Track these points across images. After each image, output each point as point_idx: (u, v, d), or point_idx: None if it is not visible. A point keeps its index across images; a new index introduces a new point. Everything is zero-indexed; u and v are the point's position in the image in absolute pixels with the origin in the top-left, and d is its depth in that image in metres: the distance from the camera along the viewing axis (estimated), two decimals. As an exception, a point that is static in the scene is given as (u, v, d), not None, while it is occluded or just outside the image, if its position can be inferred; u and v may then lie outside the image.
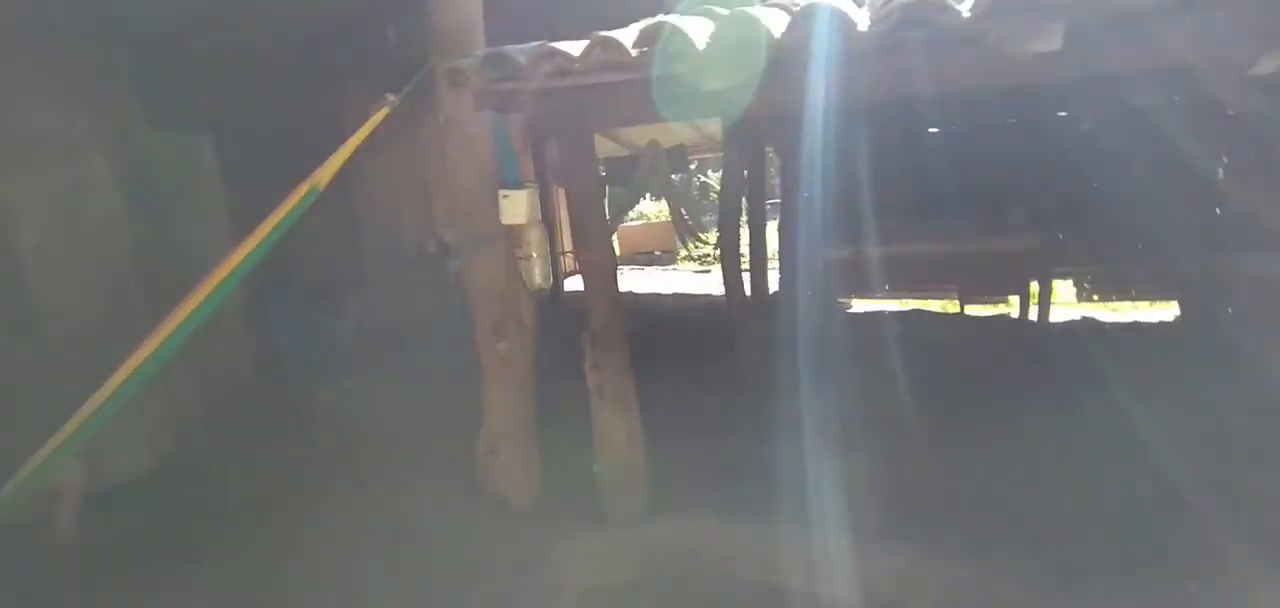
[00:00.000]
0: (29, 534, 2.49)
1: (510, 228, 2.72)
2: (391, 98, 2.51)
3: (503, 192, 2.66)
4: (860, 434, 2.96)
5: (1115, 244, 4.57)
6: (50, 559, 2.53)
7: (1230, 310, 3.91)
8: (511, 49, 2.09)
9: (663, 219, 10.17)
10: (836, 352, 4.22)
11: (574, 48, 1.96)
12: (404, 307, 4.31)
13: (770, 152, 6.43)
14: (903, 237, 5.31)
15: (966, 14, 1.47)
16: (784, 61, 1.72)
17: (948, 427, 3.19)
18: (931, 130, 5.32)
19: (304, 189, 2.32)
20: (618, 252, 10.77)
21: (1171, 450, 2.54)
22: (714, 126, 6.53)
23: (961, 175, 5.00)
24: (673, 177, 8.21)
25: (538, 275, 2.98)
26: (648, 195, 9.72)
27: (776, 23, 1.71)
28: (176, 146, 3.54)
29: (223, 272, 2.31)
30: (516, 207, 2.66)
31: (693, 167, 9.18)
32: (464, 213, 2.66)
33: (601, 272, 2.64)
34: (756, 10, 1.77)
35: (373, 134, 2.55)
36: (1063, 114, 4.67)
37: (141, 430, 3.19)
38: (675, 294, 7.83)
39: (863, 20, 1.61)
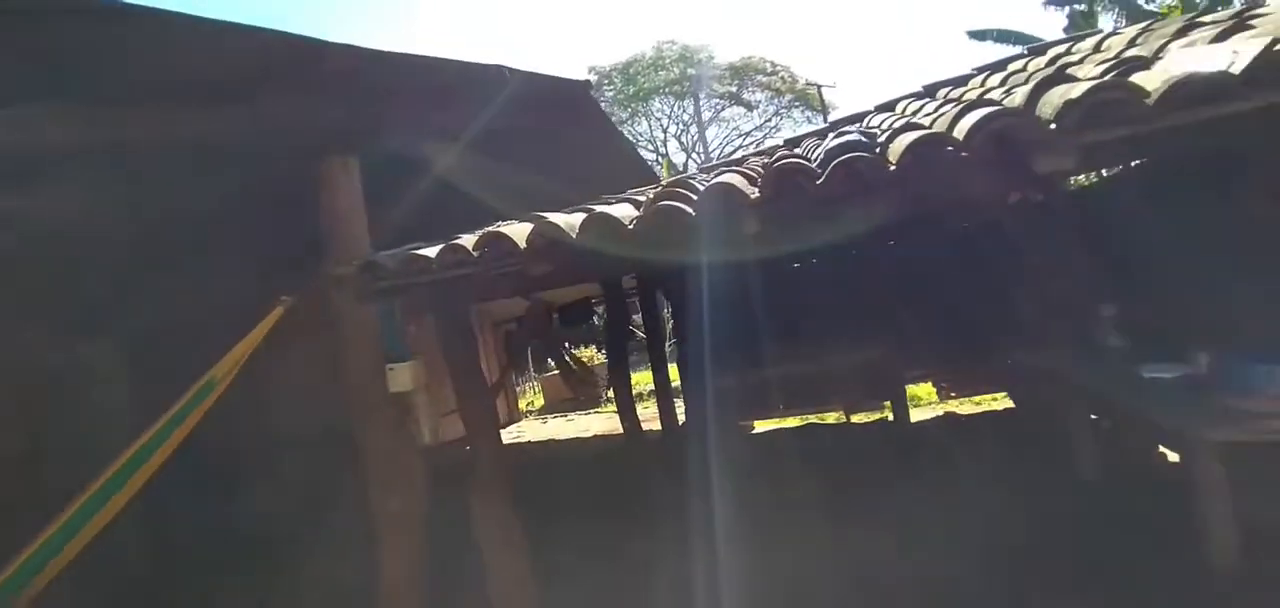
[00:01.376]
0: None
1: (398, 395, 3.09)
2: (286, 298, 2.93)
3: (389, 364, 3.06)
4: (746, 537, 3.32)
5: (957, 348, 5.31)
6: None
7: (1044, 400, 4.60)
8: (383, 255, 2.59)
9: (590, 361, 10.65)
10: (735, 468, 4.63)
11: (431, 251, 2.48)
12: (312, 485, 4.46)
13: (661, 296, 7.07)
14: (786, 359, 5.93)
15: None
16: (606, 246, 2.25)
17: (822, 522, 3.60)
18: (799, 265, 6.12)
19: (201, 383, 2.65)
20: (543, 401, 11.13)
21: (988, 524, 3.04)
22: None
23: (829, 300, 5.77)
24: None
25: (426, 435, 3.30)
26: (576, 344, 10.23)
27: (622, 212, 2.25)
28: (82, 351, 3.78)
29: (119, 463, 2.54)
30: (401, 377, 3.05)
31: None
32: (356, 387, 3.03)
33: (483, 427, 3.02)
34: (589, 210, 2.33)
35: (275, 327, 2.93)
36: (893, 243, 5.57)
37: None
38: (579, 438, 8.10)
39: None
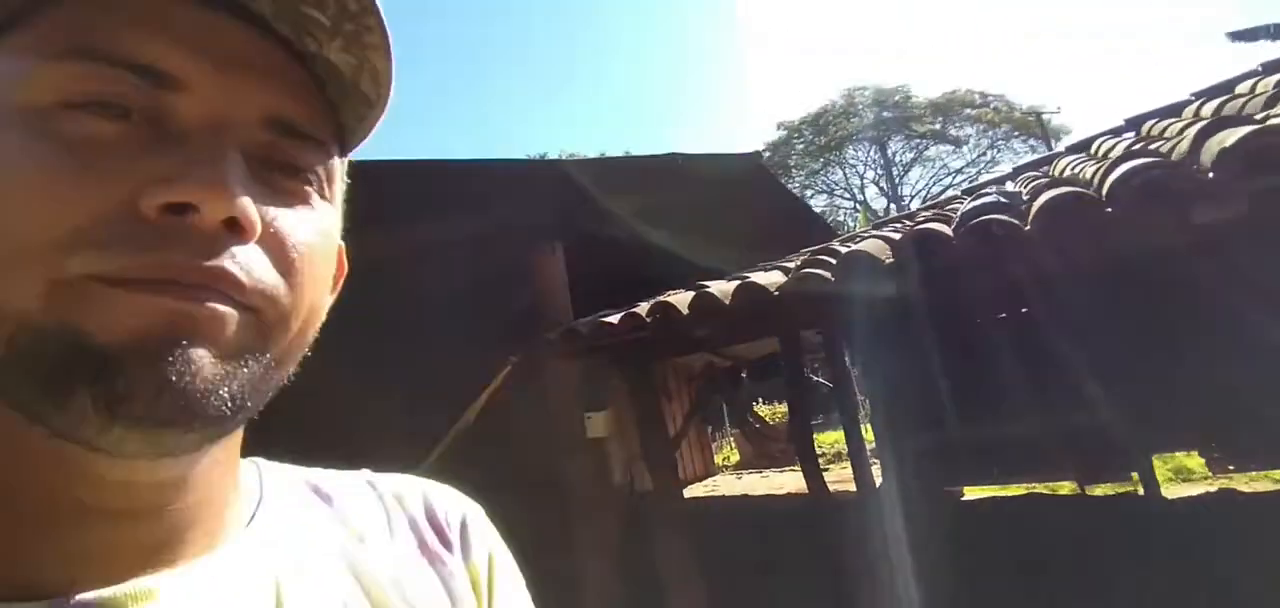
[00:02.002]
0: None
1: (595, 440, 3.61)
2: (513, 358, 3.67)
3: (587, 413, 3.61)
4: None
5: (1222, 410, 4.37)
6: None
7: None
8: (579, 322, 3.16)
9: (780, 420, 10.58)
10: (939, 543, 4.33)
11: (615, 317, 2.96)
12: (525, 521, 5.22)
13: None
14: (999, 419, 5.37)
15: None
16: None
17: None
18: (1011, 313, 5.57)
19: (459, 422, 3.45)
20: (738, 456, 11.22)
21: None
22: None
23: (1052, 352, 5.15)
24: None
25: (617, 474, 3.77)
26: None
27: (768, 279, 2.53)
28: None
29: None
30: (597, 424, 3.57)
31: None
32: (559, 433, 3.62)
33: (663, 471, 3.39)
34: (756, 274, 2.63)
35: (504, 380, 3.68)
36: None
37: None
38: (770, 495, 7.99)
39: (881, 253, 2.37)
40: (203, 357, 0.26)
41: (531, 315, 3.82)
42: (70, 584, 0.28)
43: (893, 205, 32.95)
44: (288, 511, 0.37)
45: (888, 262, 2.08)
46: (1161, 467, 5.53)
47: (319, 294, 0.33)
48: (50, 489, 0.28)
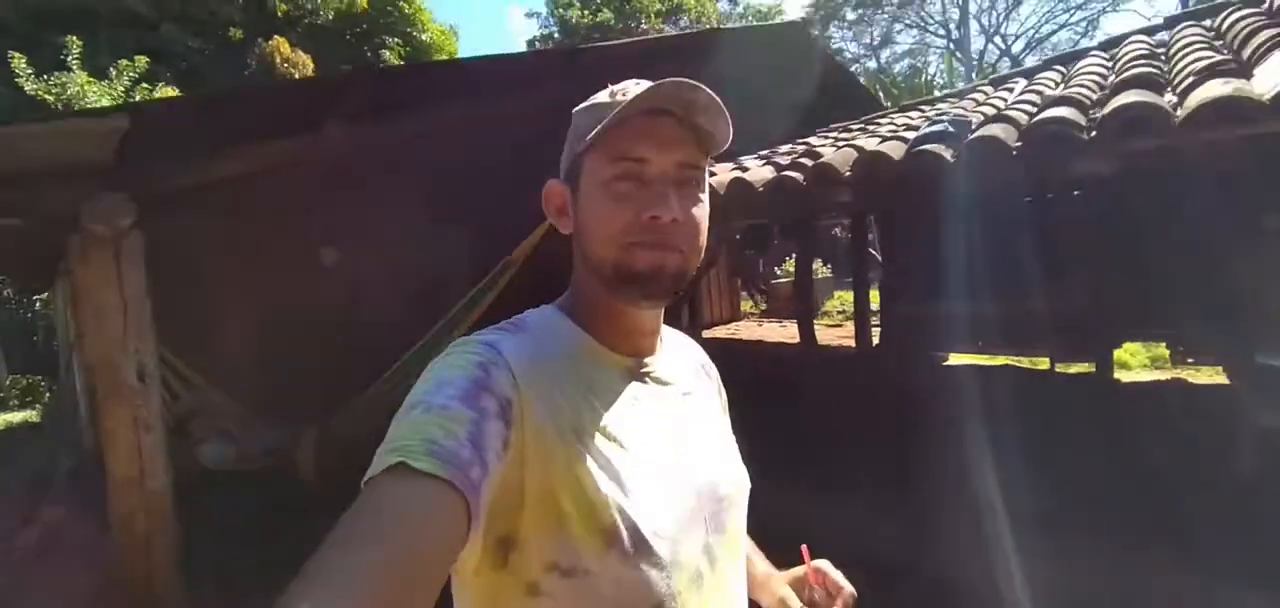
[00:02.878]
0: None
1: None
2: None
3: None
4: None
5: (1177, 310, 4.80)
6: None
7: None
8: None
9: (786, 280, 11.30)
10: (916, 397, 5.18)
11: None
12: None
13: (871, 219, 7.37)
14: (984, 296, 5.92)
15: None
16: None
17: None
18: (1007, 206, 5.91)
19: (500, 266, 4.39)
20: (766, 305, 12.14)
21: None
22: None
23: (1036, 242, 5.54)
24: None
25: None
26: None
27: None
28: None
29: (459, 304, 4.45)
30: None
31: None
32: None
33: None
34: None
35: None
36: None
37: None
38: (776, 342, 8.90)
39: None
40: (667, 273, 0.68)
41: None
42: (636, 353, 0.75)
43: (995, 45, 29.85)
44: (670, 336, 0.85)
45: (1013, 149, 2.45)
46: (1141, 354, 6.03)
47: (705, 235, 0.72)
48: (628, 321, 0.74)
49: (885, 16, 31.74)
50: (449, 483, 0.52)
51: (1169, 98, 2.11)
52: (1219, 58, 2.22)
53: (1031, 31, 29.39)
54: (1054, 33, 29.00)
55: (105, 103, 8.95)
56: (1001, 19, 30.02)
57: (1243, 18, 2.85)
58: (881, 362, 6.55)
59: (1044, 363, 6.14)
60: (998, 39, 29.91)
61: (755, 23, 26.08)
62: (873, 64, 31.52)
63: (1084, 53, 4.40)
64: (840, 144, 3.38)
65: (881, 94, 18.86)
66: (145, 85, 9.89)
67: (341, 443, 4.36)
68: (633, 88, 0.68)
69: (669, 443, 0.71)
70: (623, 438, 0.67)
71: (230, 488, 4.20)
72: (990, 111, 2.98)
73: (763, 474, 0.94)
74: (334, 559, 0.46)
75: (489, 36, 62.93)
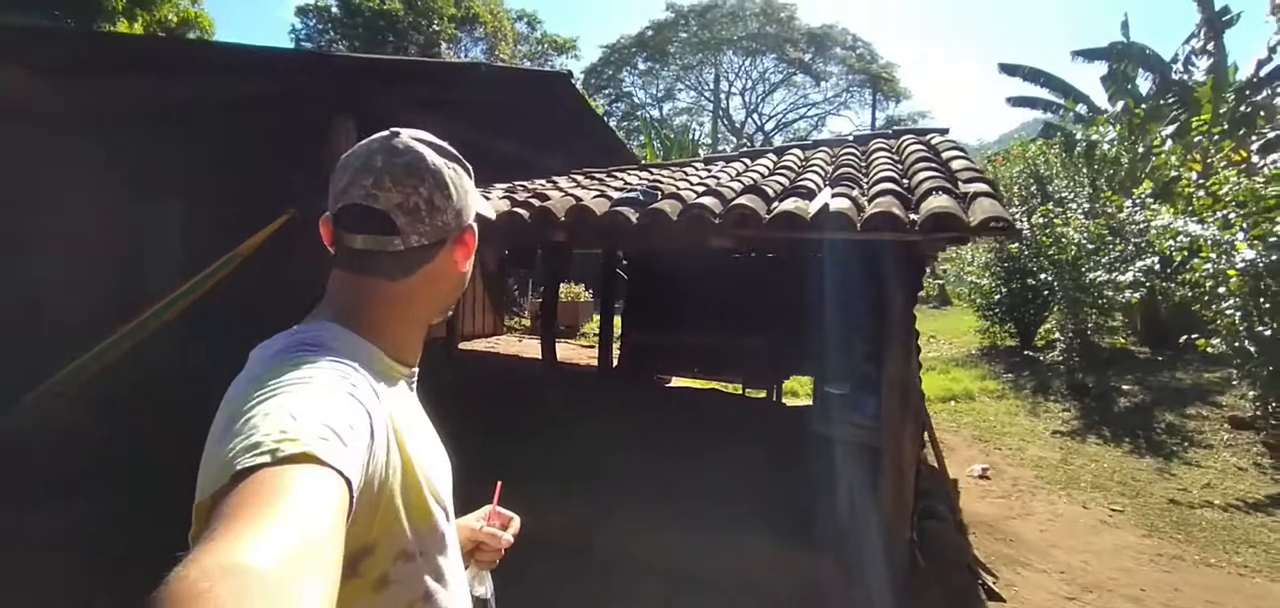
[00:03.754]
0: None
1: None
2: (293, 211, 4.35)
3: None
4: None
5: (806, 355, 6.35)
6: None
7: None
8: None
9: (572, 298, 12.08)
10: (641, 410, 5.94)
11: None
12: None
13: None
14: (701, 331, 7.11)
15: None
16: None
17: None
18: (733, 258, 7.19)
19: (231, 254, 4.12)
20: (529, 323, 12.67)
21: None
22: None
23: (742, 294, 6.88)
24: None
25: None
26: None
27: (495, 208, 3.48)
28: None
29: (179, 291, 4.06)
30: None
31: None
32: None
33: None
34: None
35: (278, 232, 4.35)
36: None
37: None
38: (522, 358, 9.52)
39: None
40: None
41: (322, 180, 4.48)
42: (410, 363, 0.81)
43: (753, 120, 35.13)
44: None
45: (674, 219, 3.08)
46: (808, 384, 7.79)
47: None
48: (415, 341, 0.82)
49: (669, 74, 35.39)
50: (342, 476, 0.52)
51: (779, 204, 3.05)
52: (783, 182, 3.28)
53: (780, 116, 35.52)
54: (796, 120, 35.49)
55: None
56: (760, 100, 35.64)
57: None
58: (614, 379, 7.41)
59: (737, 388, 7.60)
60: (755, 115, 35.43)
61: (550, 48, 27.04)
62: (656, 113, 34.85)
63: (792, 146, 5.55)
64: (569, 191, 3.94)
65: (656, 144, 21.10)
66: None
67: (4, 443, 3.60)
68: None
69: (427, 431, 0.82)
70: (416, 434, 0.75)
71: None
72: (695, 184, 3.78)
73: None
74: (244, 530, 0.43)
75: (255, -15, 54.44)
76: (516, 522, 1.07)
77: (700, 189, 3.48)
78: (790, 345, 6.63)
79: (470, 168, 0.84)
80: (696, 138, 27.93)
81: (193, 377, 4.72)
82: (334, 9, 19.37)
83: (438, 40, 18.24)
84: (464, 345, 9.50)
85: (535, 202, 3.49)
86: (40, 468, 3.54)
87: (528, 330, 11.85)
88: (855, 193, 3.07)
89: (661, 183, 4.00)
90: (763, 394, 7.15)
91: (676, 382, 8.06)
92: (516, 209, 3.47)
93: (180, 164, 4.38)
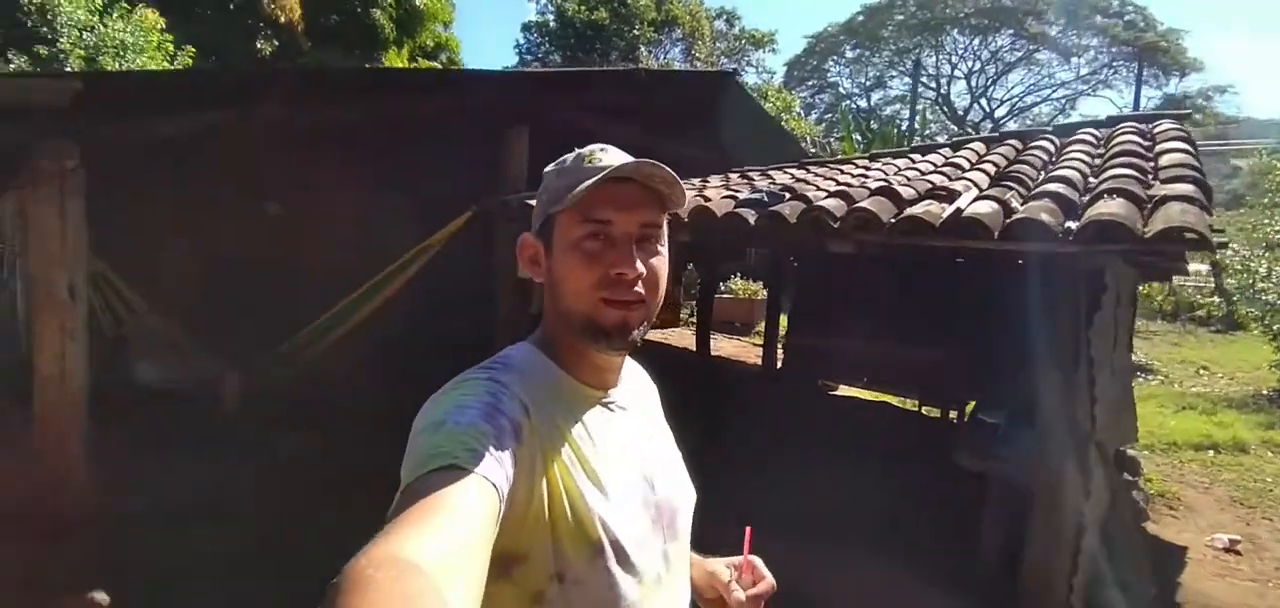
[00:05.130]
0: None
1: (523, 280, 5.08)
2: (474, 209, 5.05)
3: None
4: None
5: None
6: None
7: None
8: (511, 196, 4.48)
9: (748, 296, 11.95)
10: (802, 416, 5.80)
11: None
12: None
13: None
14: (872, 339, 6.57)
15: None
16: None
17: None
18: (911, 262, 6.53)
19: (420, 246, 4.94)
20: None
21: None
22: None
23: (920, 301, 6.21)
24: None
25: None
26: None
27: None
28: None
29: (385, 272, 4.99)
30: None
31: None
32: (502, 273, 5.09)
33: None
34: None
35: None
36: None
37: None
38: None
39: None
40: (631, 327, 0.75)
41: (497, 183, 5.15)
42: (603, 386, 0.82)
43: (980, 105, 30.99)
44: (631, 368, 0.92)
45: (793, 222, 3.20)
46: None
47: (665, 282, 0.79)
48: (597, 361, 0.80)
49: (881, 60, 32.68)
50: (489, 480, 0.60)
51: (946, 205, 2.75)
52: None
53: (1016, 100, 30.63)
54: (1037, 103, 30.30)
55: (81, 15, 9.22)
56: (990, 83, 31.15)
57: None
58: (772, 381, 7.23)
59: (912, 405, 6.87)
60: (983, 100, 31.05)
61: (748, 44, 26.80)
62: (864, 103, 32.47)
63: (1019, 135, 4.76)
64: (702, 191, 3.98)
65: (857, 136, 19.65)
66: (125, 4, 10.06)
67: (265, 382, 4.89)
68: (598, 151, 0.78)
69: (633, 463, 0.80)
70: (599, 460, 0.75)
71: (159, 407, 4.70)
72: (845, 184, 3.52)
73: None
74: (405, 530, 0.52)
75: (488, 12, 62.83)
76: (767, 583, 0.93)
77: (830, 189, 3.28)
78: (976, 362, 5.83)
79: (579, 165, 0.78)
80: (907, 128, 25.53)
81: (406, 340, 5.82)
82: (552, 23, 21.61)
83: (637, 44, 19.32)
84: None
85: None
86: (292, 403, 4.67)
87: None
88: (1008, 195, 2.65)
89: (807, 181, 3.84)
90: (937, 413, 6.41)
91: (843, 390, 7.59)
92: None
93: (405, 166, 5.36)
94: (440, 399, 0.69)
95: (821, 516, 3.47)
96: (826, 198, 3.05)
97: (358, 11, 15.47)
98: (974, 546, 3.25)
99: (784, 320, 7.96)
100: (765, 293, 12.36)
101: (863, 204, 2.78)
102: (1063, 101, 29.55)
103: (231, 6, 13.43)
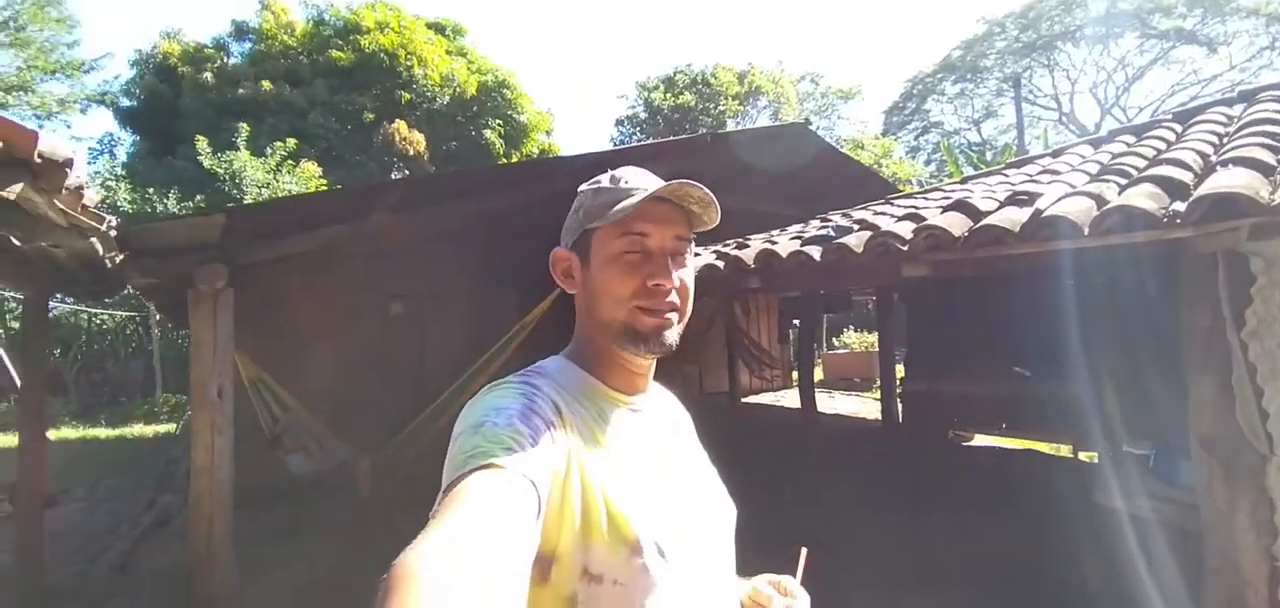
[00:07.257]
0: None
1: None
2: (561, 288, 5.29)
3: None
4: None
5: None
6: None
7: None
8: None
9: (864, 349, 11.27)
10: (926, 473, 5.29)
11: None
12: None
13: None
14: (996, 378, 5.88)
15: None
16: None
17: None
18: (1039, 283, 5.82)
19: (518, 326, 5.23)
20: (821, 375, 12.16)
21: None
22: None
23: (1056, 329, 5.47)
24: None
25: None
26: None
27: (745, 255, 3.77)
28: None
29: (488, 354, 5.32)
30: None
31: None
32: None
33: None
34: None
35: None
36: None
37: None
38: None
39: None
40: (665, 333, 0.80)
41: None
42: (632, 392, 0.85)
43: (1112, 117, 28.01)
44: (654, 387, 0.94)
45: (857, 253, 3.24)
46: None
47: (693, 293, 0.84)
48: (628, 367, 0.84)
49: (986, 90, 30.87)
50: (527, 477, 0.62)
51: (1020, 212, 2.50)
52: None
53: (1156, 103, 27.38)
54: (1188, 103, 26.80)
55: (260, 175, 11.17)
56: (1120, 92, 28.25)
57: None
58: (897, 436, 6.64)
59: (1066, 450, 5.97)
60: (1116, 111, 28.08)
61: (836, 98, 26.44)
62: (975, 136, 30.60)
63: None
64: (772, 236, 3.92)
65: (969, 170, 18.31)
66: (291, 161, 12.13)
67: (391, 465, 5.31)
68: (630, 173, 0.84)
69: (660, 468, 0.82)
70: (629, 462, 0.78)
71: (303, 494, 5.24)
72: (928, 205, 3.31)
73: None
74: (448, 526, 0.55)
75: (583, 116, 68.02)
76: (803, 603, 0.93)
77: (899, 214, 3.10)
78: (1132, 395, 4.97)
79: (616, 187, 0.82)
80: (1018, 151, 23.60)
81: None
82: (641, 114, 22.82)
83: (724, 119, 19.81)
84: (746, 400, 9.76)
85: (731, 250, 3.59)
86: (411, 479, 5.02)
87: (820, 384, 11.52)
88: (1103, 188, 2.36)
89: (883, 212, 3.67)
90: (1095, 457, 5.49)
91: (980, 440, 6.80)
92: (714, 261, 3.62)
93: (506, 258, 5.80)
94: (478, 403, 0.72)
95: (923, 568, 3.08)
96: (896, 222, 2.88)
97: (472, 134, 17.34)
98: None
99: (900, 368, 7.41)
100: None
101: (933, 222, 2.60)
102: (1221, 94, 25.82)
103: (371, 149, 15.67)
